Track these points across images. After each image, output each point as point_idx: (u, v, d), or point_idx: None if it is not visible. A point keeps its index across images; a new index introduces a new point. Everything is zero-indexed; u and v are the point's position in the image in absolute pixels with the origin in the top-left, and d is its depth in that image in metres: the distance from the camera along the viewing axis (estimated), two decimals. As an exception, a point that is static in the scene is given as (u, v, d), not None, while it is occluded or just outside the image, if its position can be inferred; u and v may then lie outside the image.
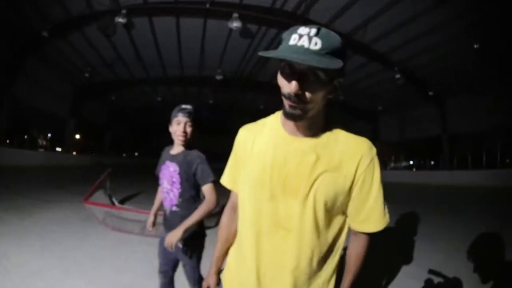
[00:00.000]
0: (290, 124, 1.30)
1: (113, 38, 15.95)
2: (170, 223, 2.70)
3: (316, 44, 1.06)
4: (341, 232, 1.39)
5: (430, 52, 16.79)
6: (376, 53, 17.55)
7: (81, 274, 4.33)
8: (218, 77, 20.43)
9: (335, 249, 1.37)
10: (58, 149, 25.99)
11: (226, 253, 1.64)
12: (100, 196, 7.43)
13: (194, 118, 2.79)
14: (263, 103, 28.16)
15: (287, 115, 1.20)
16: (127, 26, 14.47)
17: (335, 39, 1.10)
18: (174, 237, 2.34)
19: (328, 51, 1.07)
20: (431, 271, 3.93)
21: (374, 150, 1.30)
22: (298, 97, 1.11)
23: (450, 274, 4.41)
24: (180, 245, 2.49)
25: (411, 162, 31.27)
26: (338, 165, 1.25)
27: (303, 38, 1.07)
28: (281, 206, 1.28)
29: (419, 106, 24.62)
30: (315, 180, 1.23)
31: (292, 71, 1.12)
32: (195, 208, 2.55)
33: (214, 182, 2.59)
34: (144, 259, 5.24)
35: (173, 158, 2.74)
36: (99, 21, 13.92)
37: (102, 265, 4.78)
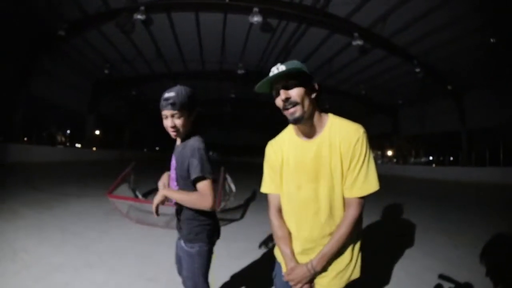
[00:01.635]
0: (301, 132, 1.77)
1: (132, 34, 15.97)
2: (177, 222, 2.52)
3: (282, 68, 1.60)
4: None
5: (447, 46, 16.55)
6: (395, 47, 17.27)
7: (103, 266, 4.23)
8: (240, 71, 20.42)
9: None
10: (78, 145, 26.22)
11: (292, 248, 1.87)
12: (124, 189, 7.34)
13: (183, 104, 2.38)
14: None
15: (292, 121, 1.66)
16: (146, 23, 14.47)
17: (295, 62, 1.63)
18: (155, 200, 2.17)
19: (291, 68, 1.58)
20: (441, 277, 3.85)
21: (361, 131, 1.66)
22: (288, 100, 1.61)
23: (467, 268, 4.40)
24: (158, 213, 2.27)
25: (431, 158, 30.81)
26: (338, 150, 1.66)
27: (273, 71, 1.62)
28: (305, 192, 1.74)
29: (438, 101, 24.45)
30: (328, 167, 1.68)
31: (277, 91, 1.66)
32: (196, 209, 2.24)
33: (204, 178, 2.14)
34: (167, 251, 5.11)
35: (175, 152, 2.48)
36: (117, 18, 13.95)
37: (125, 258, 4.68)
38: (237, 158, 42.13)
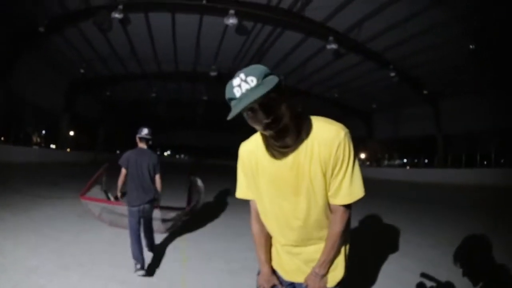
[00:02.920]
0: (279, 140, 1.50)
1: (108, 33, 15.89)
2: None
3: (253, 81, 1.32)
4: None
5: (425, 52, 16.80)
6: (370, 52, 17.52)
7: (78, 268, 4.36)
8: (213, 74, 20.31)
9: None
10: (52, 146, 25.84)
11: (269, 253, 1.90)
12: (96, 191, 7.36)
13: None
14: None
15: (280, 146, 1.51)
16: (123, 22, 14.43)
17: (260, 67, 1.38)
18: None
19: (262, 77, 1.34)
20: (423, 275, 3.92)
21: (343, 133, 1.50)
22: (273, 122, 1.37)
23: (445, 267, 4.59)
24: None
25: (405, 160, 31.32)
26: (318, 157, 1.50)
27: (242, 85, 1.34)
28: (286, 203, 1.62)
29: (414, 105, 24.63)
30: (308, 176, 1.53)
31: (253, 111, 1.37)
32: None
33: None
34: (141, 254, 5.29)
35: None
36: (96, 16, 13.84)
37: (99, 260, 4.82)
38: (210, 161, 41.93)
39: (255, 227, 1.86)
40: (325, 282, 1.68)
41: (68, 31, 16.63)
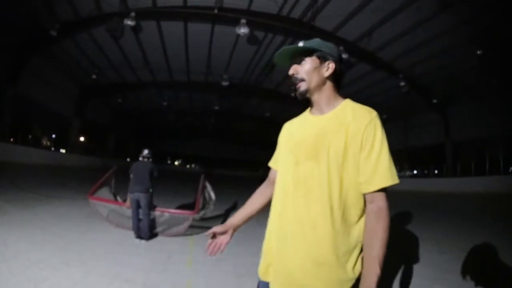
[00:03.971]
0: (313, 108, 1.69)
1: (120, 40, 16.03)
2: None
3: (300, 44, 1.63)
4: (362, 213, 1.51)
5: (433, 59, 16.67)
6: (380, 61, 17.47)
7: (81, 265, 4.32)
8: (224, 83, 20.35)
9: (356, 225, 1.49)
10: (62, 150, 25.95)
11: (246, 215, 1.90)
12: (104, 193, 7.36)
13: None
14: (269, 110, 28.11)
15: (298, 96, 1.65)
16: (135, 29, 14.52)
17: (316, 40, 1.65)
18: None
19: (307, 44, 1.62)
20: None
21: (373, 113, 1.51)
22: (295, 76, 1.64)
23: (455, 273, 4.47)
24: None
25: (415, 172, 31.08)
26: (345, 129, 1.48)
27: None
28: (301, 168, 1.57)
29: (423, 114, 24.53)
30: (328, 145, 1.49)
31: (286, 62, 1.71)
32: None
33: None
34: (145, 254, 5.27)
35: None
36: (108, 22, 13.95)
37: (103, 258, 4.76)
38: (220, 171, 41.90)
39: (256, 191, 1.94)
40: None
41: (80, 36, 16.73)
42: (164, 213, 6.56)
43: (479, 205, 12.73)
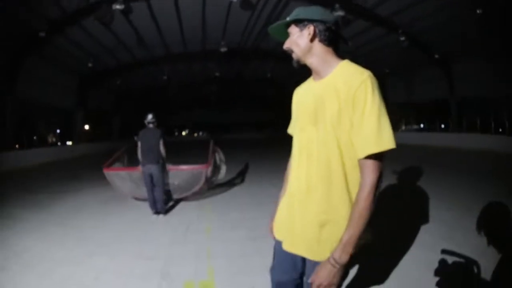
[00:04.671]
0: (313, 74, 1.71)
1: (112, 25, 15.61)
2: None
3: (290, 16, 1.65)
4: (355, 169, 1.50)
5: (432, 16, 15.97)
6: (378, 17, 16.85)
7: (103, 253, 4.40)
8: (223, 50, 19.93)
9: (354, 180, 1.49)
10: (69, 142, 26.07)
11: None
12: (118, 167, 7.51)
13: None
14: (269, 71, 27.68)
15: (294, 65, 1.71)
16: (125, 12, 14.10)
17: (305, 7, 1.65)
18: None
19: (297, 15, 1.63)
20: (444, 251, 3.67)
21: (365, 75, 1.44)
22: (289, 49, 1.70)
23: (461, 230, 4.52)
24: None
25: (422, 125, 30.72)
26: (337, 94, 1.48)
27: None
28: (304, 133, 1.65)
29: (426, 69, 23.91)
30: (323, 110, 1.53)
31: (281, 33, 1.75)
32: None
33: None
34: (164, 229, 5.40)
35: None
36: (96, 11, 13.55)
37: (124, 241, 4.88)
38: (226, 135, 42.05)
39: (289, 166, 1.94)
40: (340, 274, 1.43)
41: (70, 30, 16.24)
42: (178, 171, 7.07)
43: (485, 163, 12.49)
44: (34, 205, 7.27)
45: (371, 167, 1.39)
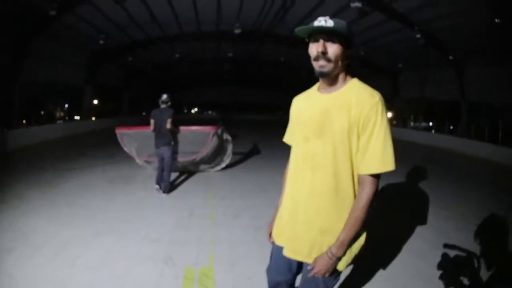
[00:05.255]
0: (322, 86, 1.74)
1: (125, 2, 15.50)
2: None
3: (330, 23, 1.55)
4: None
5: (450, 18, 15.52)
6: (395, 12, 16.57)
7: (110, 232, 4.57)
8: (237, 31, 19.70)
9: (354, 190, 1.62)
10: (77, 117, 26.19)
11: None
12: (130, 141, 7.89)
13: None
14: (283, 55, 27.45)
15: (318, 74, 1.63)
16: None
17: (343, 22, 1.60)
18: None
19: (339, 27, 1.55)
20: (446, 246, 3.73)
21: (376, 98, 1.54)
22: (324, 55, 1.56)
23: (459, 242, 4.47)
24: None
25: (431, 124, 30.25)
26: (348, 112, 1.55)
27: (321, 21, 1.56)
28: (309, 145, 1.68)
29: (439, 68, 23.21)
30: (332, 124, 1.58)
31: (317, 40, 1.59)
32: None
33: None
34: (169, 213, 5.53)
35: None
36: None
37: (130, 221, 5.04)
38: (236, 116, 41.96)
39: (286, 170, 1.99)
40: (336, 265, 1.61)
41: (81, 9, 16.14)
42: (187, 131, 7.40)
43: (491, 173, 12.25)
44: (41, 184, 7.33)
45: (370, 182, 1.54)
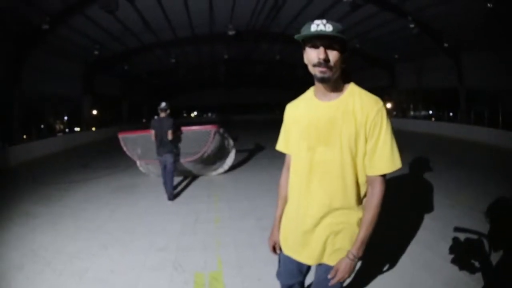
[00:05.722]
0: (320, 93, 1.73)
1: (117, 12, 15.51)
2: None
3: (329, 28, 1.51)
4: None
5: (442, 5, 15.52)
6: (388, 3, 16.50)
7: (117, 244, 4.59)
8: (231, 33, 19.65)
9: (364, 192, 1.72)
10: (77, 129, 26.19)
11: (283, 209, 2.04)
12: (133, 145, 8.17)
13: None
14: (278, 53, 27.43)
15: (319, 80, 1.60)
16: None
17: (339, 25, 1.56)
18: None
19: (337, 31, 1.51)
20: (457, 229, 3.80)
21: (380, 104, 1.61)
22: (325, 62, 1.53)
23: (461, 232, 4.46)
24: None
25: (430, 112, 30.19)
26: (354, 117, 1.60)
27: (320, 26, 1.52)
28: (315, 154, 1.69)
29: (435, 57, 23.18)
30: (340, 131, 1.61)
31: (317, 46, 1.56)
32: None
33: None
34: (174, 219, 5.54)
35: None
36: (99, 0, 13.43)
37: (136, 231, 5.05)
38: (236, 117, 42.07)
39: (282, 180, 2.04)
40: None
41: (74, 20, 16.15)
42: (189, 131, 7.58)
43: (492, 158, 12.19)
44: (46, 198, 7.36)
45: (381, 181, 1.62)
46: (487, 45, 18.73)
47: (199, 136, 7.71)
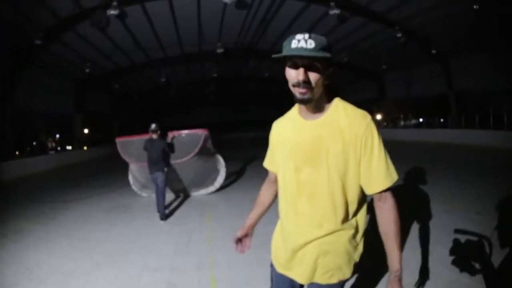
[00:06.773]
0: (304, 111, 1.67)
1: (107, 30, 15.64)
2: None
3: (311, 44, 1.42)
4: (361, 203, 1.70)
5: (429, 12, 15.90)
6: (374, 14, 16.82)
7: (111, 263, 4.61)
8: (219, 50, 19.89)
9: (355, 215, 1.69)
10: (69, 147, 26.10)
11: (259, 215, 2.15)
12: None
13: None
14: (267, 70, 27.74)
15: (299, 101, 1.55)
16: (121, 16, 14.15)
17: (323, 39, 1.47)
18: None
19: (320, 48, 1.43)
20: (457, 231, 3.84)
21: (368, 118, 1.56)
22: (305, 83, 1.46)
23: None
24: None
25: (421, 120, 30.48)
26: (341, 135, 1.55)
27: (301, 42, 1.43)
28: (302, 174, 1.64)
29: (423, 64, 23.87)
30: (326, 151, 1.56)
31: (297, 66, 1.48)
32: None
33: None
34: (167, 239, 5.56)
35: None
36: (91, 16, 13.60)
37: (130, 252, 5.07)
38: (227, 135, 42.03)
39: (262, 188, 2.13)
40: None
41: (66, 37, 16.29)
42: (178, 134, 8.08)
43: (484, 160, 12.55)
44: (39, 216, 7.43)
45: (388, 195, 1.60)
46: (474, 47, 19.09)
47: (190, 139, 8.07)
